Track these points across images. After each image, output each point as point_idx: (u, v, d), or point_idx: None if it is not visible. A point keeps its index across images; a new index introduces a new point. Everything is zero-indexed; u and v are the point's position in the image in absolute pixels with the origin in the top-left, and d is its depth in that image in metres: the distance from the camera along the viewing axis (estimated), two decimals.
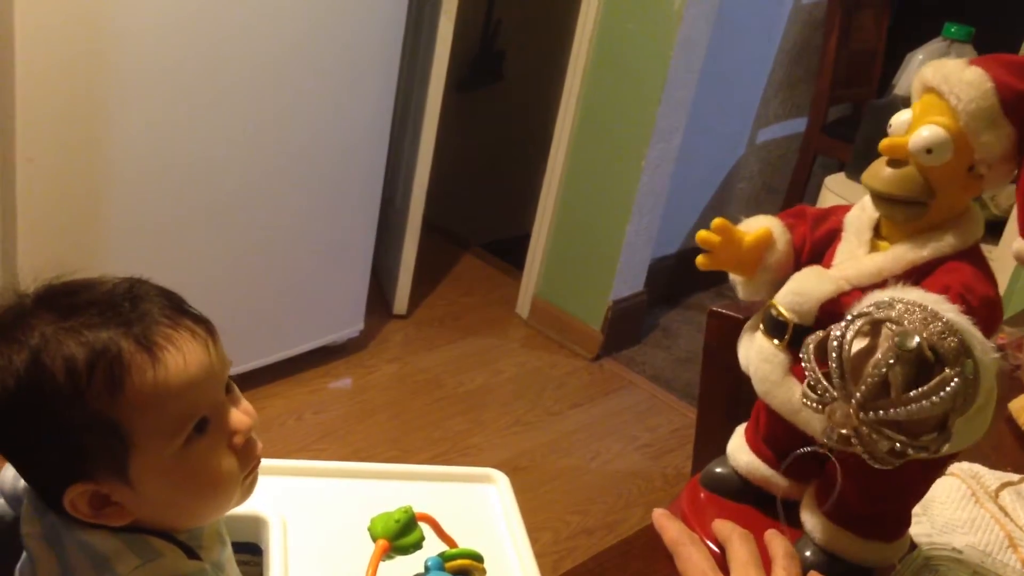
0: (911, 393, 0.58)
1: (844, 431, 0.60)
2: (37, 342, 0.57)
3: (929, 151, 0.67)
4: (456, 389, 2.54)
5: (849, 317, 0.62)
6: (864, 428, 0.59)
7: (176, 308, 0.62)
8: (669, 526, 0.75)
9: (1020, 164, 0.69)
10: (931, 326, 0.59)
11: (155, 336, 0.59)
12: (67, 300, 0.60)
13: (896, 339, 0.59)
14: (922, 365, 0.59)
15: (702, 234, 0.74)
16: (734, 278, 0.80)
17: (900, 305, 0.61)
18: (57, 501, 0.60)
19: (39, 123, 1.73)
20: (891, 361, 0.59)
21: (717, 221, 0.74)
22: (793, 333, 0.72)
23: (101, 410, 0.57)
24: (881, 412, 0.59)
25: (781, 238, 0.77)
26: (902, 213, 0.70)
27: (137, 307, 0.60)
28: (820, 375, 0.61)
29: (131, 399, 0.57)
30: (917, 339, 0.58)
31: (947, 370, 0.59)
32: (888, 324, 0.60)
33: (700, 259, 0.76)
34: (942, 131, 0.67)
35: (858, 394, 0.59)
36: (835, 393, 0.60)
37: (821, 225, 0.78)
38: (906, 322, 0.59)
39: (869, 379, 0.59)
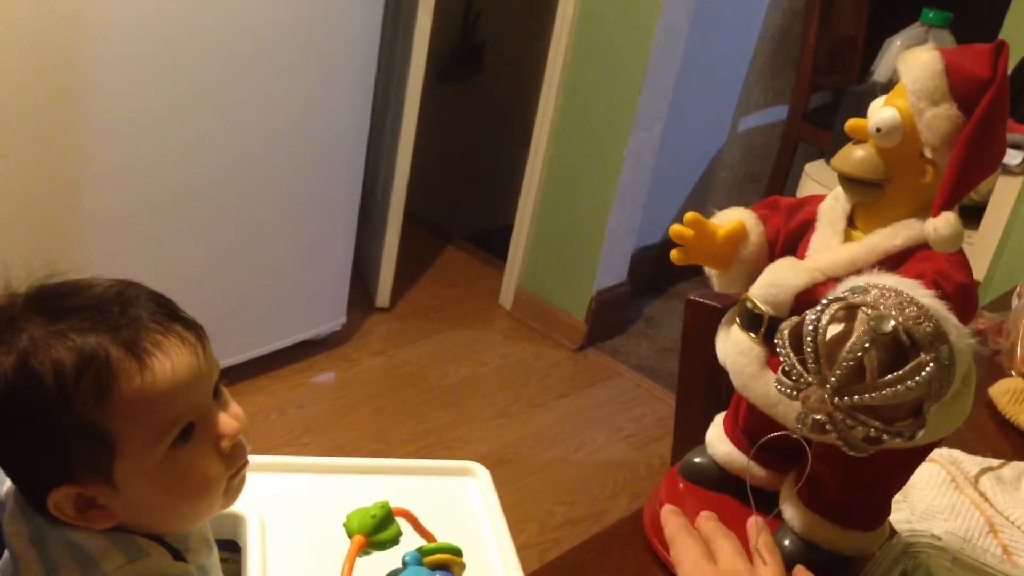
0: (886, 377, 0.58)
1: (818, 416, 0.59)
2: (25, 345, 0.57)
3: (879, 130, 0.68)
4: (440, 382, 2.54)
5: (824, 302, 0.61)
6: (838, 413, 0.59)
7: (166, 313, 0.61)
8: (671, 520, 0.76)
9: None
10: (906, 311, 0.59)
11: (144, 342, 0.58)
12: (57, 303, 0.59)
13: (871, 323, 0.58)
14: (897, 350, 0.59)
15: (675, 228, 0.75)
16: (709, 271, 0.80)
17: (875, 290, 0.60)
18: (42, 503, 0.60)
19: (10, 118, 1.70)
20: (866, 345, 0.58)
21: (689, 215, 0.75)
22: (768, 325, 0.72)
23: (87, 415, 0.57)
24: (856, 397, 0.59)
25: (754, 230, 0.77)
26: (860, 194, 0.71)
27: (127, 312, 0.59)
28: (795, 360, 0.61)
29: (117, 405, 0.57)
30: (892, 323, 0.58)
31: (922, 355, 0.58)
32: (863, 308, 0.60)
33: (674, 253, 0.76)
34: (895, 112, 0.68)
35: (833, 379, 0.59)
36: (810, 378, 0.60)
37: (795, 215, 0.77)
38: (881, 307, 0.59)
39: (844, 363, 0.59)
